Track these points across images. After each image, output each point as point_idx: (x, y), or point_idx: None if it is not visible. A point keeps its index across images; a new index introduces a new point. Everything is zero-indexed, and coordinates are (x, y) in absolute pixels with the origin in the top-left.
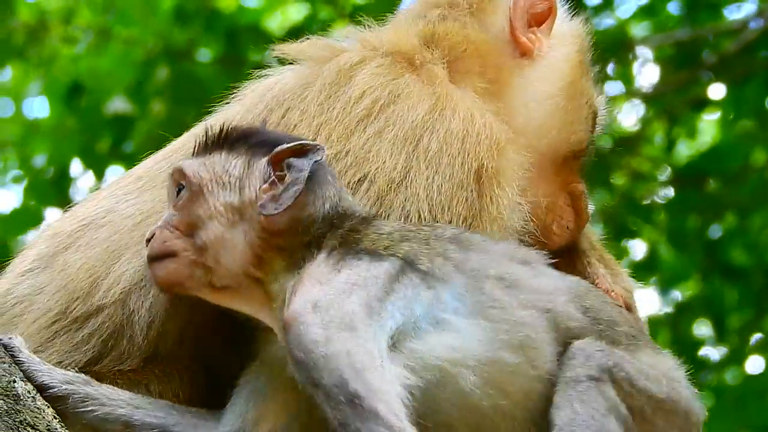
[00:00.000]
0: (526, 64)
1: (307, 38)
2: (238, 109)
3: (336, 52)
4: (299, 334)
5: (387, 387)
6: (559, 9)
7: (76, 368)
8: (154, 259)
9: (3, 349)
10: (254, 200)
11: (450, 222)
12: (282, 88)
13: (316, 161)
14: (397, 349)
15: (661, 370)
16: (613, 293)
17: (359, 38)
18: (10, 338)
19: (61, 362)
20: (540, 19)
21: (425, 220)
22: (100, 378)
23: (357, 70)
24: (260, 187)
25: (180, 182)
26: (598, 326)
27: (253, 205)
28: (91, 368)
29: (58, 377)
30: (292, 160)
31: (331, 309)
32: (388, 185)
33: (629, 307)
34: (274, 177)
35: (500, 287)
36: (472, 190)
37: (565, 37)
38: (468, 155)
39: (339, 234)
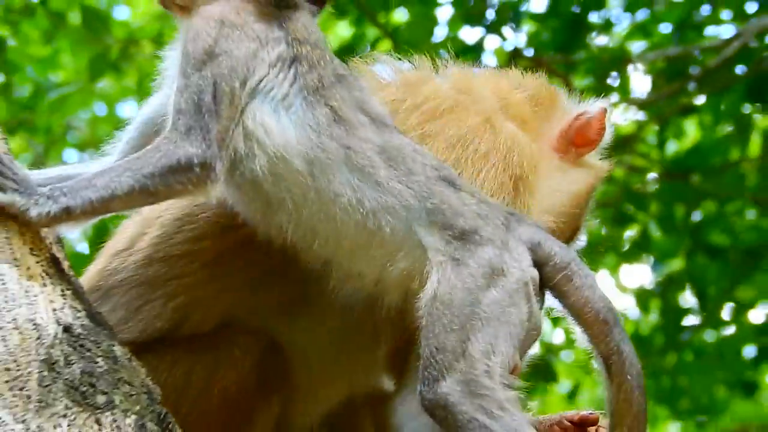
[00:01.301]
0: (555, 158)
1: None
2: None
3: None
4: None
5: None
6: (600, 146)
7: (159, 334)
8: None
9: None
10: None
11: None
12: None
13: None
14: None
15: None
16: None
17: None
18: None
19: (145, 330)
20: (583, 142)
21: None
22: (177, 342)
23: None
24: None
25: None
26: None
27: None
28: (172, 334)
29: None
30: None
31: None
32: None
33: None
34: None
35: (329, 119)
36: (509, 192)
37: (590, 167)
38: (509, 164)
39: (284, 11)
